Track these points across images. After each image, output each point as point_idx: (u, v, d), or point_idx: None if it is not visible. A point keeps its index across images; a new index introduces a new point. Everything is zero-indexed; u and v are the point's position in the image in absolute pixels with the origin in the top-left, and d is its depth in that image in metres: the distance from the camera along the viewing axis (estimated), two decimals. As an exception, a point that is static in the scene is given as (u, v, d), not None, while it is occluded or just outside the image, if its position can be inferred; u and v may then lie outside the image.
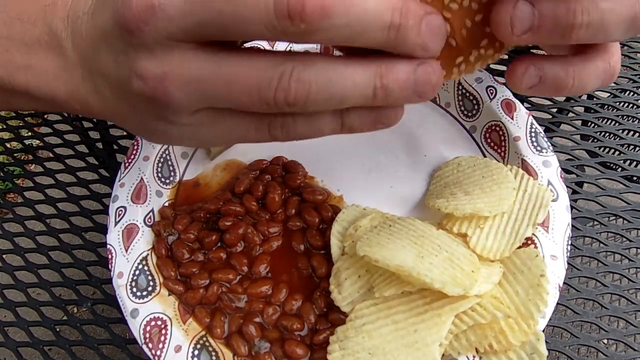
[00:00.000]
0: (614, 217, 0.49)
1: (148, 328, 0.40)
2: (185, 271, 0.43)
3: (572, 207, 0.46)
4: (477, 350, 0.37)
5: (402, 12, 0.24)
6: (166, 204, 0.48)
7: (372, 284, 0.39)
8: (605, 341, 0.43)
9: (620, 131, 0.55)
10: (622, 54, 0.61)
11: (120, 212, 0.45)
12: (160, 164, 0.49)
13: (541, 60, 0.29)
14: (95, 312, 0.48)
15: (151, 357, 0.39)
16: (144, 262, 0.43)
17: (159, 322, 0.40)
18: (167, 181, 0.49)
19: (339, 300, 0.40)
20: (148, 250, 0.44)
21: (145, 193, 0.47)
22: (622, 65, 0.61)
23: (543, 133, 0.47)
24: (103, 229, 0.47)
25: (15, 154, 0.60)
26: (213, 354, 0.40)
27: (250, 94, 0.26)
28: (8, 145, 0.61)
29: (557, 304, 0.39)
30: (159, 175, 0.49)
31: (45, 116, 0.68)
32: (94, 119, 0.60)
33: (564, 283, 0.40)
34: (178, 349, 0.39)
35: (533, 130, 0.47)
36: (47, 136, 0.61)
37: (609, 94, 0.58)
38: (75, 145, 0.59)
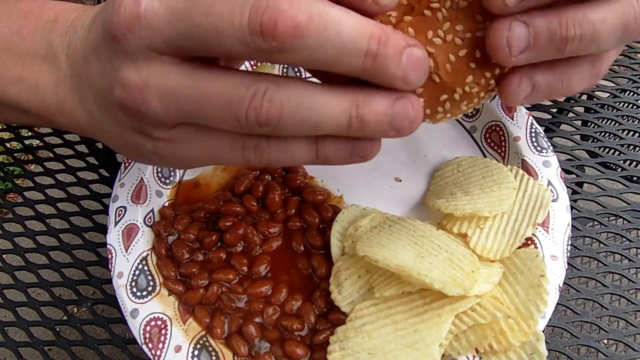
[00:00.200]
0: (614, 218, 0.49)
1: (148, 328, 0.40)
2: (185, 271, 0.43)
3: (572, 207, 0.46)
4: (477, 351, 0.37)
5: (381, 41, 0.24)
6: (166, 204, 0.48)
7: (372, 284, 0.39)
8: (605, 341, 0.43)
9: (620, 131, 0.55)
10: (622, 54, 0.61)
11: (120, 212, 0.45)
12: (160, 164, 0.49)
13: (529, 69, 0.29)
14: (95, 312, 0.48)
15: (151, 357, 0.39)
16: (144, 262, 0.43)
17: (159, 322, 0.40)
18: (167, 181, 0.49)
19: (339, 301, 0.40)
20: (148, 250, 0.44)
21: (145, 193, 0.47)
22: (622, 65, 0.62)
23: (543, 133, 0.47)
24: (103, 229, 0.47)
25: (15, 154, 0.60)
26: (213, 354, 0.40)
27: (222, 110, 0.26)
28: (8, 145, 0.61)
29: (557, 304, 0.39)
30: (159, 175, 0.49)
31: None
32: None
33: (564, 283, 0.40)
34: (178, 349, 0.39)
35: (533, 130, 0.47)
36: (47, 136, 0.61)
37: (609, 94, 0.58)
38: (75, 145, 0.59)
